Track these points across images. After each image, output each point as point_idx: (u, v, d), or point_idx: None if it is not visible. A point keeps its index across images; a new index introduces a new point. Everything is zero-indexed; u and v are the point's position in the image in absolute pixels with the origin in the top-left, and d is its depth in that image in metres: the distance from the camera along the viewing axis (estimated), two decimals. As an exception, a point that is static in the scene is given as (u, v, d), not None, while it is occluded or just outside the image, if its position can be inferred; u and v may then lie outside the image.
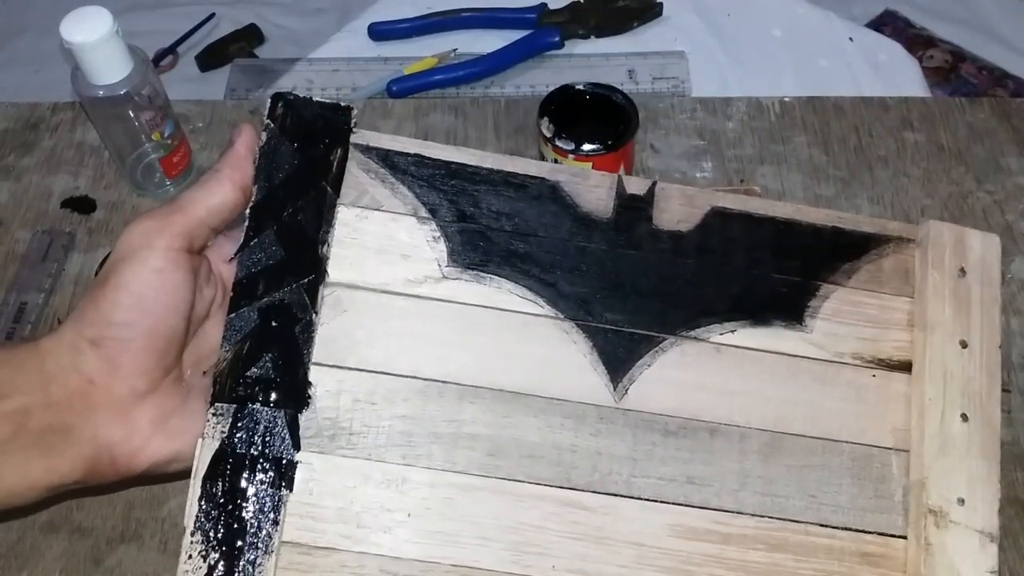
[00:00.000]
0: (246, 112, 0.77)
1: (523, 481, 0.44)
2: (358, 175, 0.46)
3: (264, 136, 0.45)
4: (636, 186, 0.49)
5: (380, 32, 0.92)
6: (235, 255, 0.44)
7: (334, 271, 0.45)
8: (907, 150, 0.74)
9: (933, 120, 0.76)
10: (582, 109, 0.66)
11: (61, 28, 0.61)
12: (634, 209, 0.48)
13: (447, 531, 0.43)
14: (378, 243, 0.46)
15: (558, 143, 0.64)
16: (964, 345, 0.47)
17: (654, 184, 0.49)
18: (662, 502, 0.45)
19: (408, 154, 0.47)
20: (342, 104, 0.47)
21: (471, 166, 0.47)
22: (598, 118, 0.66)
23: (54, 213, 0.71)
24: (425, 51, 0.89)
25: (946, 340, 0.47)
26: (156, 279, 0.42)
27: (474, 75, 0.86)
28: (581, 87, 0.67)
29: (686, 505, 0.45)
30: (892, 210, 0.70)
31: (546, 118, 0.65)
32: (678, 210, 0.48)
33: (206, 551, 0.40)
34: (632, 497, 0.44)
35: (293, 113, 0.46)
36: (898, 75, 0.90)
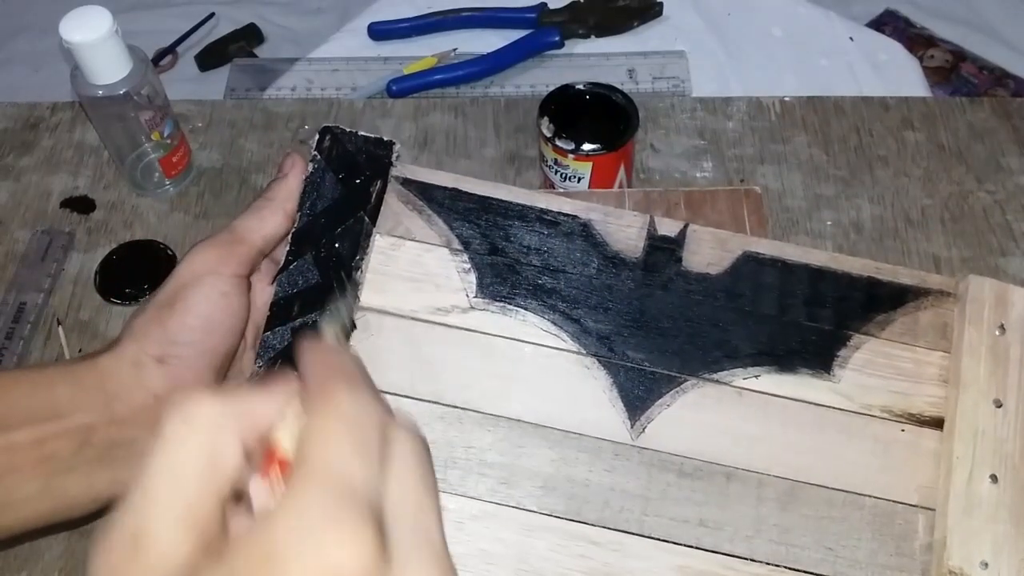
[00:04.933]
0: (246, 112, 0.77)
1: (534, 511, 0.44)
2: (396, 206, 0.48)
3: (311, 167, 0.47)
4: (668, 227, 0.48)
5: (380, 32, 0.92)
6: (275, 278, 0.46)
7: (366, 296, 0.46)
8: (907, 150, 0.74)
9: (933, 120, 0.76)
10: (582, 109, 0.66)
11: (61, 28, 0.61)
12: (664, 250, 0.48)
13: (456, 555, 0.43)
14: (410, 271, 0.47)
15: (558, 143, 0.64)
16: (999, 404, 0.46)
17: (686, 226, 0.48)
18: (672, 543, 0.44)
19: (445, 188, 0.48)
20: (385, 139, 0.48)
21: (505, 201, 0.48)
22: (598, 118, 0.66)
23: (53, 213, 0.71)
24: (425, 51, 0.89)
25: (979, 398, 0.46)
26: (223, 303, 0.45)
27: (474, 75, 0.85)
28: (581, 87, 0.67)
29: (696, 548, 0.44)
30: (892, 210, 0.70)
31: (546, 118, 0.65)
32: (709, 253, 0.48)
33: None
34: (642, 535, 0.44)
35: (339, 146, 0.47)
36: (898, 75, 0.90)
